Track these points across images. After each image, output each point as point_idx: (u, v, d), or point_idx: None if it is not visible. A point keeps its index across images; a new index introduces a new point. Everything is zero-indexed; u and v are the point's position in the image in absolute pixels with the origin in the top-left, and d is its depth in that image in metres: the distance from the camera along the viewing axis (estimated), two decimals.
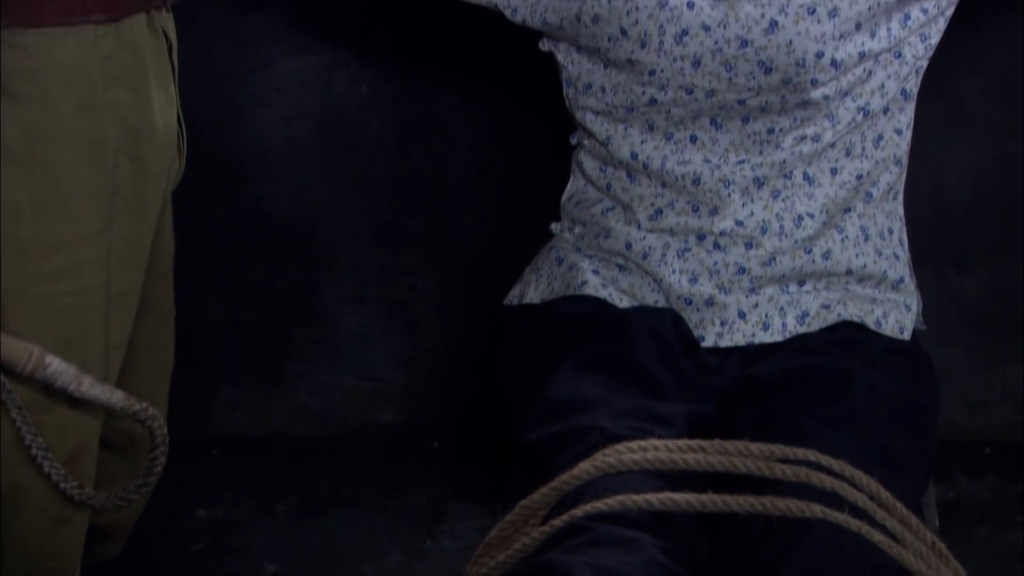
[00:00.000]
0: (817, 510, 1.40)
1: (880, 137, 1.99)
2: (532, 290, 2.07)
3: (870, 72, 1.94)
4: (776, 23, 1.90)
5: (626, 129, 2.00)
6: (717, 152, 1.98)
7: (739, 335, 1.96)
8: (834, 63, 1.91)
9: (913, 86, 2.00)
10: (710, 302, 1.97)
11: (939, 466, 2.02)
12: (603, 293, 2.00)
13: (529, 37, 2.09)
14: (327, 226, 2.56)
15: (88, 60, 1.56)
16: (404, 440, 2.65)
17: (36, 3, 1.52)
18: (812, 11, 1.90)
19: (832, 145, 1.96)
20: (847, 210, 1.99)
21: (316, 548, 2.39)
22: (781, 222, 1.96)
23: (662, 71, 1.94)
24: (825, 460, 1.44)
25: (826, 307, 1.97)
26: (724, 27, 1.91)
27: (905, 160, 2.03)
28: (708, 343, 1.96)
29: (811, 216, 1.97)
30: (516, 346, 2.05)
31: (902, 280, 2.01)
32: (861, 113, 1.95)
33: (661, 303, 1.98)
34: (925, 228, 2.38)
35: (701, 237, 1.97)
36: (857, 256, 1.98)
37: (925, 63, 2.00)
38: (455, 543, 2.38)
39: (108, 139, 1.60)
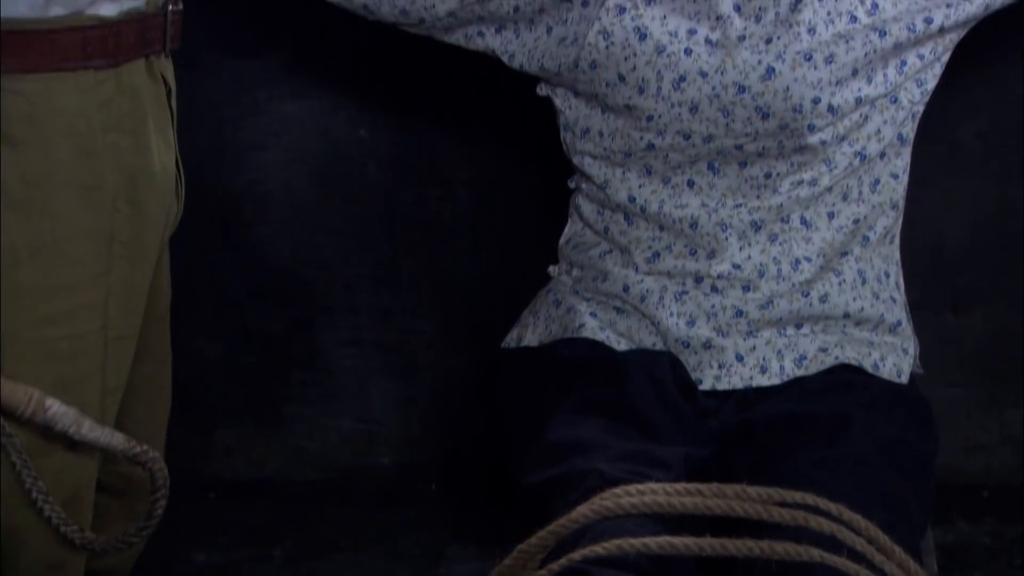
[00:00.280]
0: (815, 554, 1.40)
1: (877, 181, 1.99)
2: (530, 333, 2.07)
3: (867, 117, 1.95)
4: (773, 69, 1.91)
5: (624, 173, 2.01)
6: (714, 196, 1.98)
7: (737, 378, 1.96)
8: (831, 109, 1.92)
9: (910, 131, 2.00)
10: (708, 345, 1.97)
11: (937, 509, 2.02)
12: (601, 336, 2.00)
13: (527, 82, 2.10)
14: (325, 269, 2.56)
15: (87, 105, 1.57)
16: (402, 483, 2.64)
17: (36, 49, 1.53)
18: (809, 57, 1.91)
19: (829, 189, 1.97)
20: (844, 254, 1.99)
21: None
22: (779, 265, 1.97)
23: (660, 117, 1.95)
24: (823, 504, 1.44)
25: (824, 350, 1.97)
26: (721, 73, 1.92)
27: (902, 204, 2.04)
28: (706, 386, 1.96)
29: (808, 260, 1.97)
30: (514, 389, 2.05)
31: (899, 324, 2.01)
32: (858, 158, 1.96)
33: (659, 346, 1.98)
34: (923, 271, 2.38)
35: (699, 280, 1.98)
36: (854, 299, 1.98)
37: (921, 108, 2.01)
38: None
39: (107, 184, 1.60)
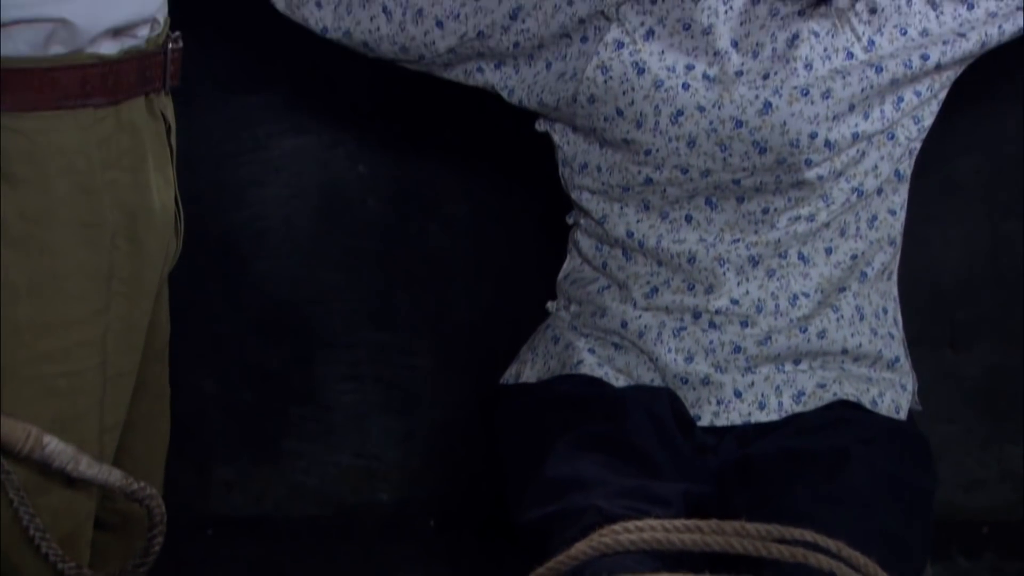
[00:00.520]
0: None
1: (874, 217, 2.00)
2: (528, 369, 2.07)
3: (864, 153, 1.96)
4: (770, 104, 1.92)
5: (622, 208, 2.01)
6: (712, 231, 1.98)
7: (735, 414, 1.96)
8: (828, 144, 1.92)
9: (907, 167, 2.01)
10: (706, 381, 1.97)
11: (937, 546, 2.01)
12: (599, 372, 2.00)
13: (526, 117, 2.10)
14: (324, 304, 2.56)
15: (86, 143, 1.57)
16: (400, 519, 2.63)
17: (35, 87, 1.53)
18: (806, 92, 1.91)
19: (827, 225, 1.97)
20: (842, 289, 1.99)
21: None
22: (776, 301, 1.97)
23: (658, 151, 1.95)
24: (822, 540, 1.44)
25: (822, 386, 1.97)
26: (719, 108, 1.93)
27: (899, 240, 2.04)
28: (704, 422, 1.96)
29: (806, 295, 1.97)
30: (512, 426, 2.05)
31: (897, 360, 2.01)
32: (855, 194, 1.96)
33: (657, 382, 1.98)
34: (921, 307, 2.38)
35: (697, 315, 1.98)
36: (852, 335, 1.98)
37: (918, 144, 2.01)
38: None
39: (106, 221, 1.60)
